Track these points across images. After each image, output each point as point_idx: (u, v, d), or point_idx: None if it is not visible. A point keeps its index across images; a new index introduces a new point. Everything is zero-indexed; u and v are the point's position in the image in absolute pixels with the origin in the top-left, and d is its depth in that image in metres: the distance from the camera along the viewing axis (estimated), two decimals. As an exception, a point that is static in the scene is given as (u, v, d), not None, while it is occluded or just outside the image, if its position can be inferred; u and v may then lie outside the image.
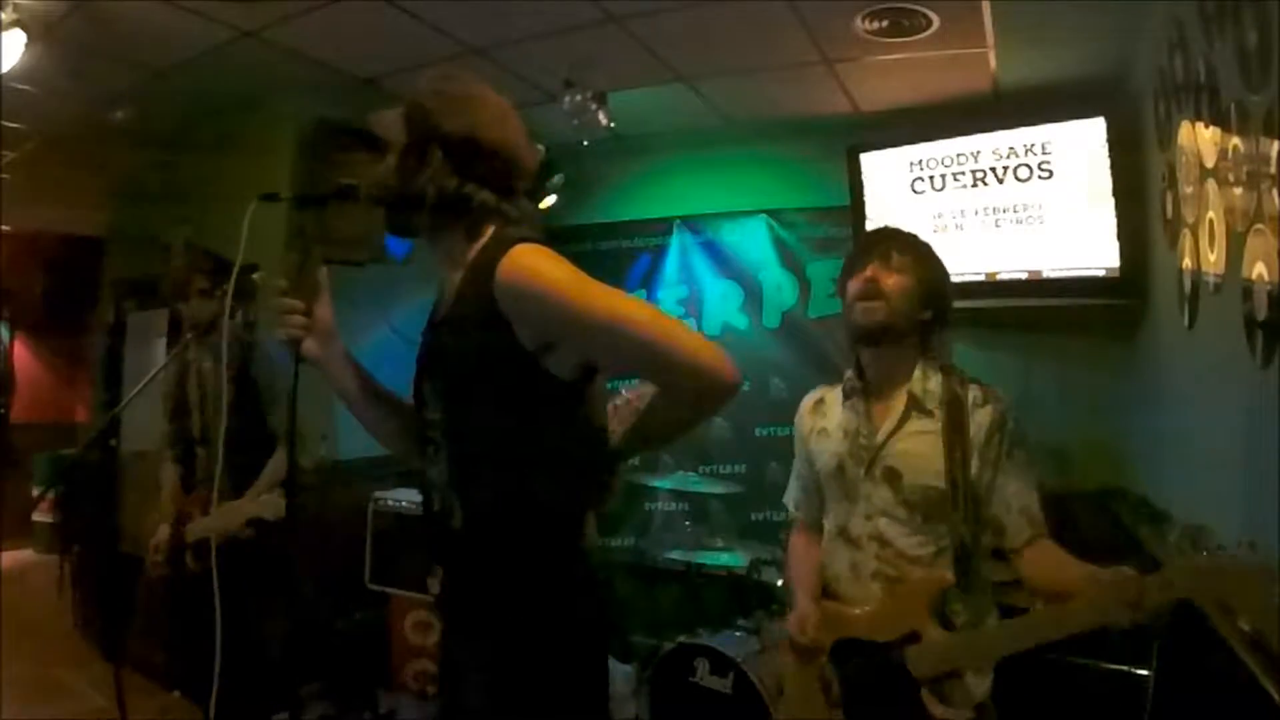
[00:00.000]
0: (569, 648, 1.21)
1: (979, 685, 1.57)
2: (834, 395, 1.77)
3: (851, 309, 1.64)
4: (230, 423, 2.07)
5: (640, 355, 1.16)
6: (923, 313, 1.64)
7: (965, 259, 3.42)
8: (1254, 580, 1.19)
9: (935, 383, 1.63)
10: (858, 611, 1.64)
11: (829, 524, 1.73)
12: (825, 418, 1.75)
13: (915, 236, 1.70)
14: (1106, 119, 3.14)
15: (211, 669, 1.55)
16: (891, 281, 1.61)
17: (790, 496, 1.90)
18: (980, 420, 1.59)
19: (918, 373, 1.64)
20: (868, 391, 1.69)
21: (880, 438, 1.63)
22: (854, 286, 1.64)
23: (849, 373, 1.73)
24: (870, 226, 3.66)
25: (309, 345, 1.34)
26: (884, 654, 1.57)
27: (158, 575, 2.46)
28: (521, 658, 1.19)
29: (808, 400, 1.83)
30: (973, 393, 1.61)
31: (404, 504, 3.50)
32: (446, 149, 1.24)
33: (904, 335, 1.64)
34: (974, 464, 1.57)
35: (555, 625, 1.20)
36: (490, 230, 1.27)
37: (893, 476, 1.61)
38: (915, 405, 1.62)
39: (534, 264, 1.16)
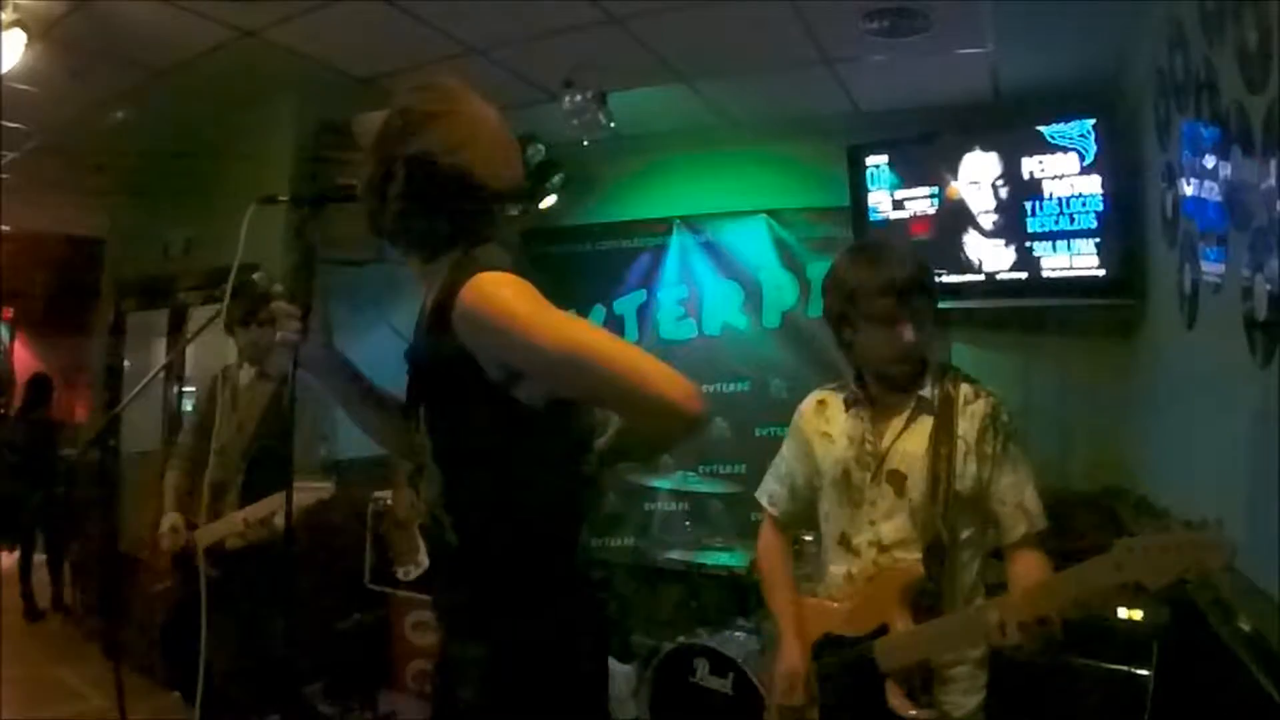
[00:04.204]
0: (566, 651, 1.21)
1: (970, 699, 1.57)
2: (835, 400, 1.74)
3: (887, 365, 1.62)
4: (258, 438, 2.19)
5: (605, 390, 1.12)
6: (933, 338, 1.65)
7: (965, 259, 3.43)
8: (1198, 554, 1.17)
9: (938, 386, 1.63)
10: (836, 606, 1.66)
11: (828, 531, 1.71)
12: (829, 422, 1.72)
13: (929, 271, 1.64)
14: (1106, 119, 3.14)
15: (211, 670, 1.55)
16: (923, 333, 1.59)
17: (766, 491, 1.85)
18: (972, 416, 1.59)
19: (927, 380, 1.64)
20: (873, 400, 1.68)
21: (886, 443, 1.63)
22: (891, 345, 1.58)
23: (852, 384, 1.71)
24: (870, 226, 3.67)
25: (306, 348, 1.33)
26: (856, 648, 1.58)
27: (162, 566, 2.48)
28: (518, 662, 1.19)
29: (809, 401, 1.80)
30: (963, 391, 1.62)
31: (404, 504, 3.50)
32: (408, 169, 1.21)
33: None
34: (971, 461, 1.57)
35: (551, 629, 1.20)
36: (453, 255, 1.23)
37: (897, 479, 1.60)
38: (924, 408, 1.62)
39: (493, 294, 1.12)
